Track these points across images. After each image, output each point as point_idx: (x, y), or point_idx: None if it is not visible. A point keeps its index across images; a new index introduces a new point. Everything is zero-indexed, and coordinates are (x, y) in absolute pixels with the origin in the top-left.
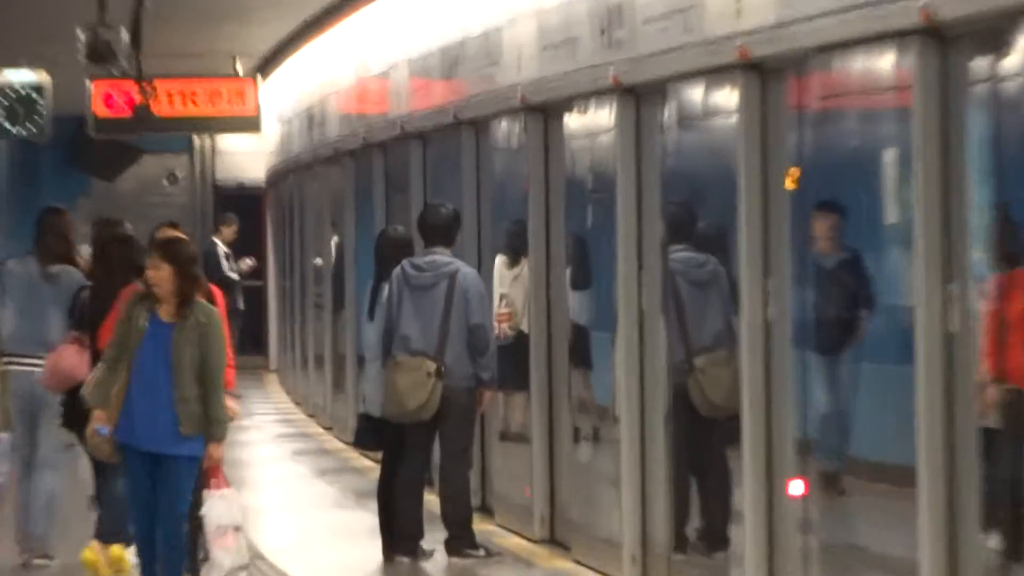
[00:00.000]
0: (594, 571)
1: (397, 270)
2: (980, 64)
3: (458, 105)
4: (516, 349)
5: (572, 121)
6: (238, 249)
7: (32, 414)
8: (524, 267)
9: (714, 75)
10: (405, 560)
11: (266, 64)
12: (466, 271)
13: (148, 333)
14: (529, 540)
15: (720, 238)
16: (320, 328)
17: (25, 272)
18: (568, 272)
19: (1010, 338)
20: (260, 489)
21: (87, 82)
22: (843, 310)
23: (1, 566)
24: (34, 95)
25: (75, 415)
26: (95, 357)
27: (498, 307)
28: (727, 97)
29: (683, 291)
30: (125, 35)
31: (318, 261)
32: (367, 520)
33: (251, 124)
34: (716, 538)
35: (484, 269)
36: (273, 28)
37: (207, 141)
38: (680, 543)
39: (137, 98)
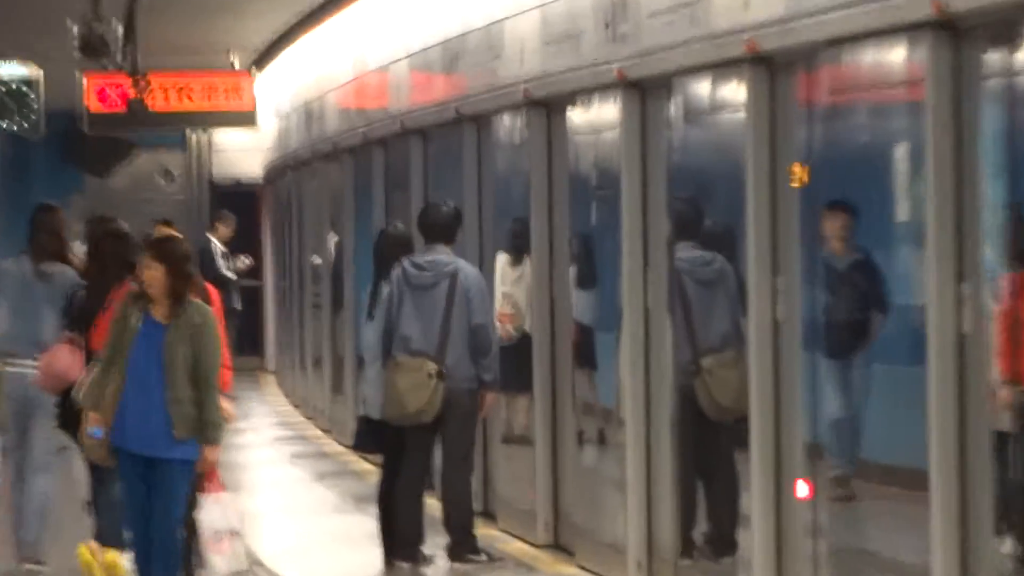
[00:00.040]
0: None
1: (397, 269)
2: (994, 57)
3: (459, 100)
4: (519, 350)
5: (576, 117)
6: (234, 247)
7: (25, 416)
8: (527, 266)
9: (721, 69)
10: (406, 566)
11: (262, 57)
12: (468, 270)
13: (141, 333)
14: (532, 545)
15: (727, 236)
16: (319, 328)
17: (18, 271)
18: (572, 271)
19: None
20: (258, 493)
21: (80, 76)
22: (855, 313)
23: None
24: (25, 89)
25: (70, 416)
26: (89, 357)
27: (501, 307)
28: (734, 92)
29: (690, 290)
30: (119, 28)
31: (316, 260)
32: (367, 525)
33: (247, 119)
34: (724, 543)
35: (486, 268)
36: (269, 21)
37: (202, 137)
38: (687, 548)
39: (131, 93)
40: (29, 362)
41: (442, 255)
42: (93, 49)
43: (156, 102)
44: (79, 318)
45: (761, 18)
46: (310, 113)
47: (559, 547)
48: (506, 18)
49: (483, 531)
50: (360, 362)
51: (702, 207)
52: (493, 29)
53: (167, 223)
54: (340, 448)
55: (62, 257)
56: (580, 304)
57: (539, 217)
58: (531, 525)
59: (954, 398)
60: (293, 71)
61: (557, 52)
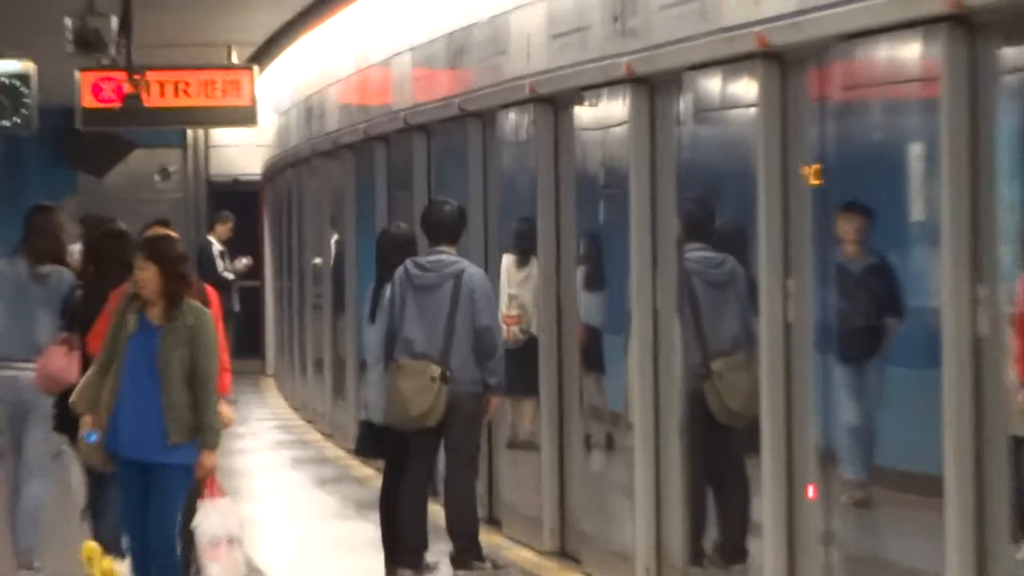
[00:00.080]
0: None
1: (400, 270)
2: (1011, 53)
3: (464, 96)
4: (525, 353)
5: (583, 113)
6: (233, 248)
7: (20, 420)
8: (533, 267)
9: (732, 65)
10: (408, 573)
11: (262, 53)
12: (472, 271)
13: (135, 336)
14: (538, 552)
15: (738, 236)
16: (319, 330)
17: (13, 273)
18: (579, 272)
19: None
20: (257, 499)
21: (75, 72)
22: (870, 318)
23: None
24: (19, 85)
25: (67, 419)
26: (85, 359)
27: (507, 309)
28: (745, 88)
29: (699, 292)
30: (115, 23)
31: (317, 260)
32: (369, 532)
33: (247, 116)
34: (734, 550)
35: (491, 269)
36: (269, 16)
37: (201, 134)
38: (696, 555)
39: (127, 89)
40: (24, 365)
41: (446, 255)
42: (88, 44)
43: (153, 99)
44: (76, 319)
45: (772, 12)
46: (310, 109)
47: (565, 554)
48: (511, 11)
49: (488, 538)
50: (362, 365)
51: (712, 206)
52: (498, 22)
53: (164, 223)
54: (341, 453)
55: (58, 259)
56: (587, 306)
57: (545, 216)
58: (537, 532)
59: (970, 402)
60: (293, 66)
61: (564, 46)
